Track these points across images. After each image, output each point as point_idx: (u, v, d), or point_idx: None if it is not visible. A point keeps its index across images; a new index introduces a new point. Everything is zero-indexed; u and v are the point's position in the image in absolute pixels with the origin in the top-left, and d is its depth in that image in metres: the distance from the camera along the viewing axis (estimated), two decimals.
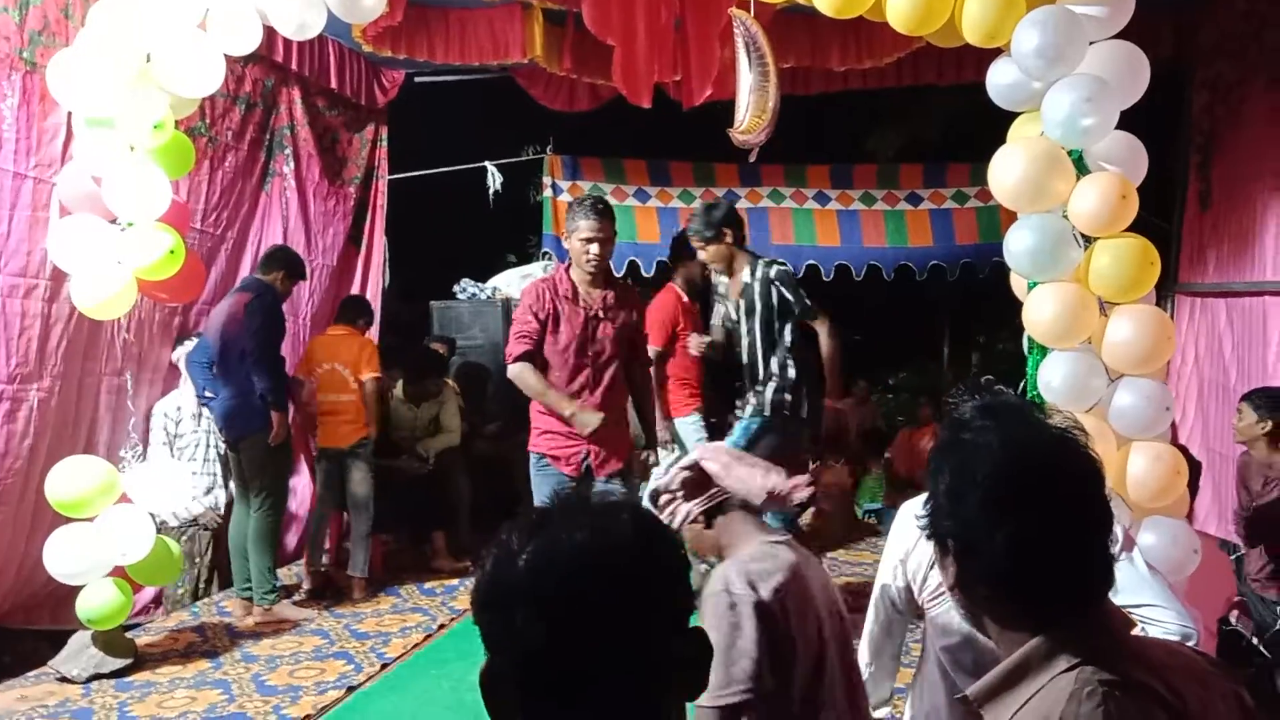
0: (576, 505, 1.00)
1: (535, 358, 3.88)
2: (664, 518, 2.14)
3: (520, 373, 3.88)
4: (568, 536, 0.95)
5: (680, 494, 2.15)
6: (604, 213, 3.84)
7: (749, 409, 4.64)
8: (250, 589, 4.88)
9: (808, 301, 4.51)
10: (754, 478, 2.11)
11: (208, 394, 4.89)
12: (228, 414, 4.75)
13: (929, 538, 1.27)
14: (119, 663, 4.08)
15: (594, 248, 3.82)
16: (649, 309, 4.84)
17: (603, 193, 7.27)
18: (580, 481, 3.89)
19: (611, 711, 0.94)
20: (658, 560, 0.98)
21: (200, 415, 5.15)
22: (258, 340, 4.70)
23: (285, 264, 5.03)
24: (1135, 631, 2.26)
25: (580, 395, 3.88)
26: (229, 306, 4.79)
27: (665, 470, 2.20)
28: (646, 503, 2.21)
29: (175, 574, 4.53)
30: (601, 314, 3.92)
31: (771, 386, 4.56)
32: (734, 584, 1.95)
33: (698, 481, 2.16)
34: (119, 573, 4.07)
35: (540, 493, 3.90)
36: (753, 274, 4.53)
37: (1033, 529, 1.16)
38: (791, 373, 4.53)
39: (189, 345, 5.12)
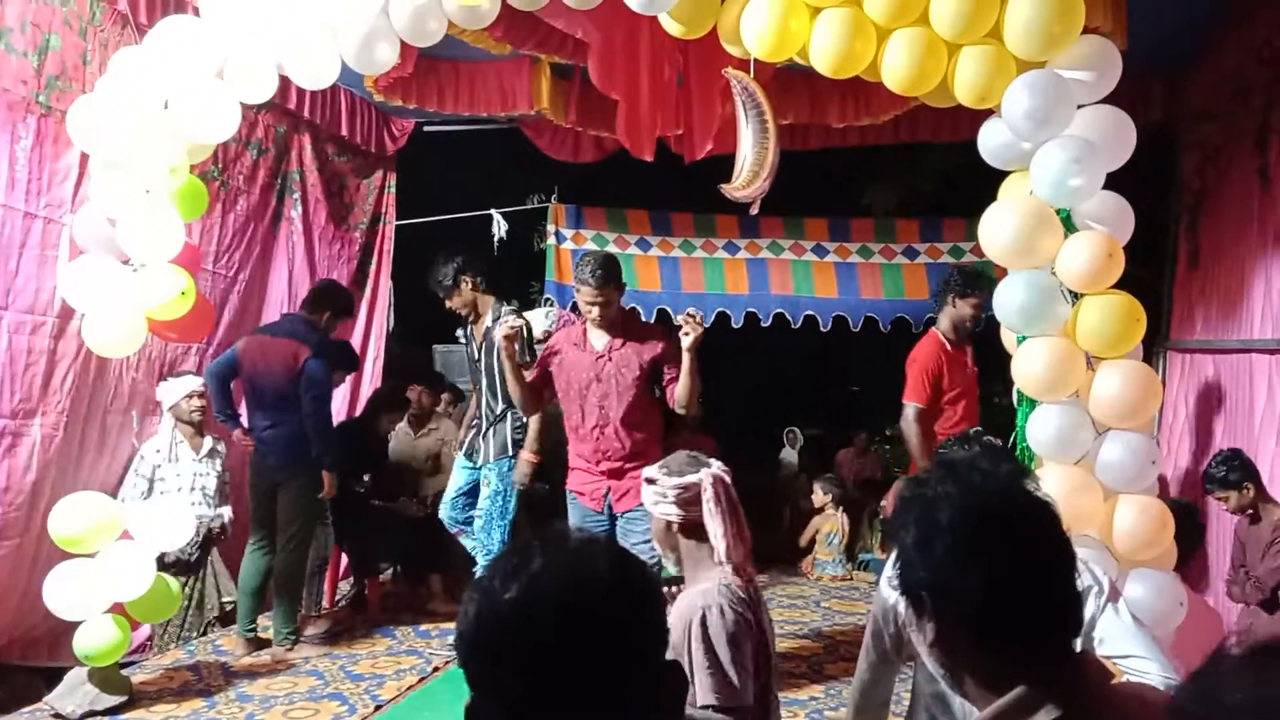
0: (555, 545, 1.04)
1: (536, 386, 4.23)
2: (650, 495, 2.29)
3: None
4: (549, 578, 0.99)
5: (674, 496, 2.24)
6: (604, 279, 3.96)
7: (492, 448, 4.88)
8: (253, 628, 4.92)
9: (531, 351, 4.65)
10: (722, 536, 2.22)
11: (227, 411, 4.92)
12: (279, 447, 4.81)
13: (903, 594, 1.29)
14: (114, 700, 4.08)
15: (594, 310, 4.01)
16: (908, 360, 4.80)
17: (605, 242, 7.39)
18: (606, 516, 4.09)
19: None
20: (635, 598, 1.03)
21: (177, 457, 5.06)
22: (317, 407, 4.81)
23: (334, 303, 5.08)
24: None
25: (594, 432, 4.07)
26: (284, 349, 4.82)
27: (681, 466, 2.29)
28: (653, 471, 2.32)
29: (173, 610, 4.56)
30: (608, 356, 4.07)
31: (509, 423, 4.87)
32: (711, 613, 2.10)
33: (689, 500, 2.25)
34: (118, 609, 4.10)
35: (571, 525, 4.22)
36: (494, 318, 4.80)
37: (1003, 567, 1.19)
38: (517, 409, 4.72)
39: (171, 384, 5.06)
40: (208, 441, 5.16)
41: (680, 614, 2.12)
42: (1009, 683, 1.20)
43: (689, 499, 2.23)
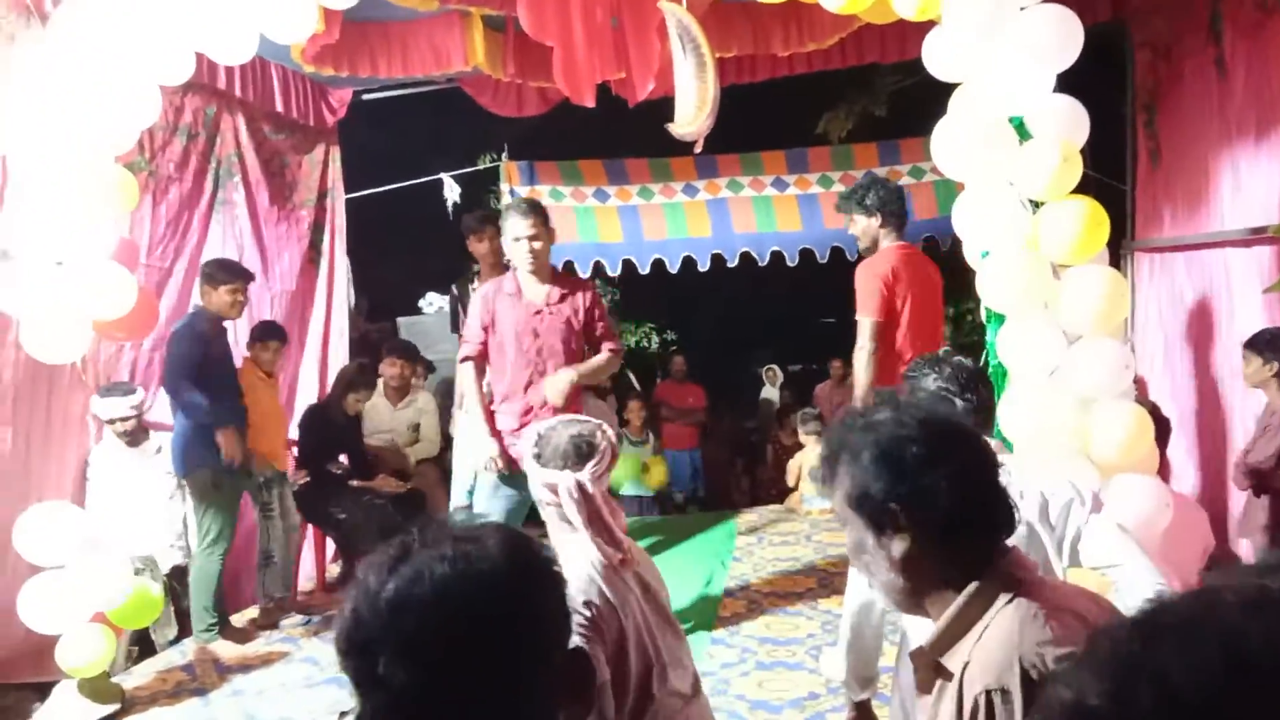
0: (439, 534, 0.94)
1: (479, 361, 4.09)
2: (540, 451, 2.17)
3: (461, 372, 4.19)
4: (430, 570, 0.90)
5: (570, 458, 2.16)
6: (530, 209, 3.92)
7: None
8: (213, 625, 4.81)
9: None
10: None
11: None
12: (173, 449, 4.73)
13: (863, 514, 1.40)
14: (107, 709, 4.01)
15: (529, 244, 3.90)
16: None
17: (562, 196, 7.25)
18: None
19: None
20: (530, 584, 0.94)
21: (122, 463, 4.86)
22: (169, 373, 4.66)
23: (213, 278, 4.79)
24: (1110, 594, 2.27)
25: (527, 389, 3.97)
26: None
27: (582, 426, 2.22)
28: (532, 433, 2.24)
29: (156, 615, 4.47)
30: (547, 309, 3.97)
31: None
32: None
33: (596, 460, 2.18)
34: (100, 618, 4.01)
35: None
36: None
37: (966, 469, 1.37)
38: None
39: (107, 400, 4.77)
40: (153, 442, 4.98)
41: None
42: (966, 578, 1.36)
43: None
